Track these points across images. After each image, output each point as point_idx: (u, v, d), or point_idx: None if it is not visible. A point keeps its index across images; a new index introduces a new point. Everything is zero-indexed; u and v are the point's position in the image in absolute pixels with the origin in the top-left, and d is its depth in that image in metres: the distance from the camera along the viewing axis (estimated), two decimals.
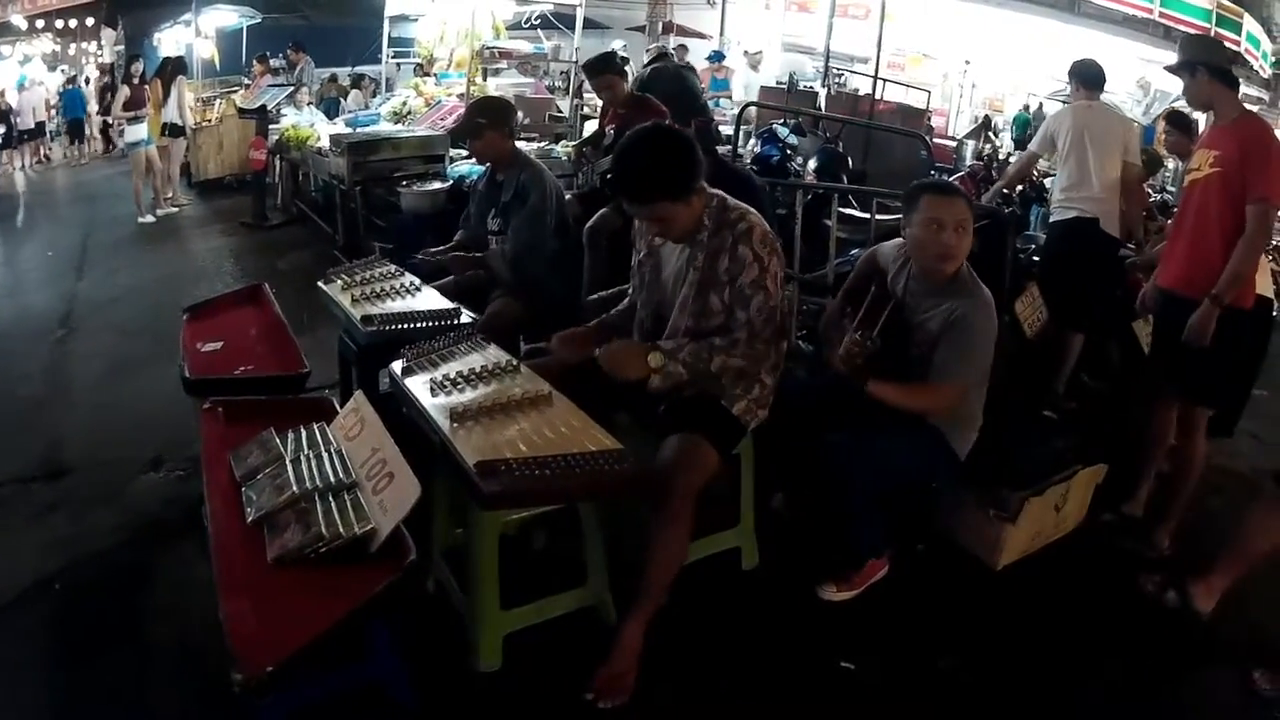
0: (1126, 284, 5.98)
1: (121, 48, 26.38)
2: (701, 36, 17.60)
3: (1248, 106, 4.57)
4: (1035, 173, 8.18)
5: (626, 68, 7.44)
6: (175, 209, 13.79)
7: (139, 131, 13.14)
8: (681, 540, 3.48)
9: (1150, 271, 5.04)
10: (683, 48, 12.31)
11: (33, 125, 22.68)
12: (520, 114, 11.00)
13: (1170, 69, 4.61)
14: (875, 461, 3.80)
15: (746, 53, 15.49)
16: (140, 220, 13.03)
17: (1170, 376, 4.59)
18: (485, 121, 5.28)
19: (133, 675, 3.64)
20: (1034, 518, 4.39)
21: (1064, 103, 7.31)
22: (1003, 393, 4.22)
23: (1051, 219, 6.29)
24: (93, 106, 24.99)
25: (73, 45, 33.52)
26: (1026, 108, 17.49)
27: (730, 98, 13.69)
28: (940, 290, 3.88)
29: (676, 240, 3.75)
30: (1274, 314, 4.49)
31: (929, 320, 3.87)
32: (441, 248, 5.58)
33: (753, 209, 3.69)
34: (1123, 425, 5.07)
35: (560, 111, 12.27)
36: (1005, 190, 7.57)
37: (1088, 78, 6.43)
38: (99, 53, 31.55)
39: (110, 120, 23.19)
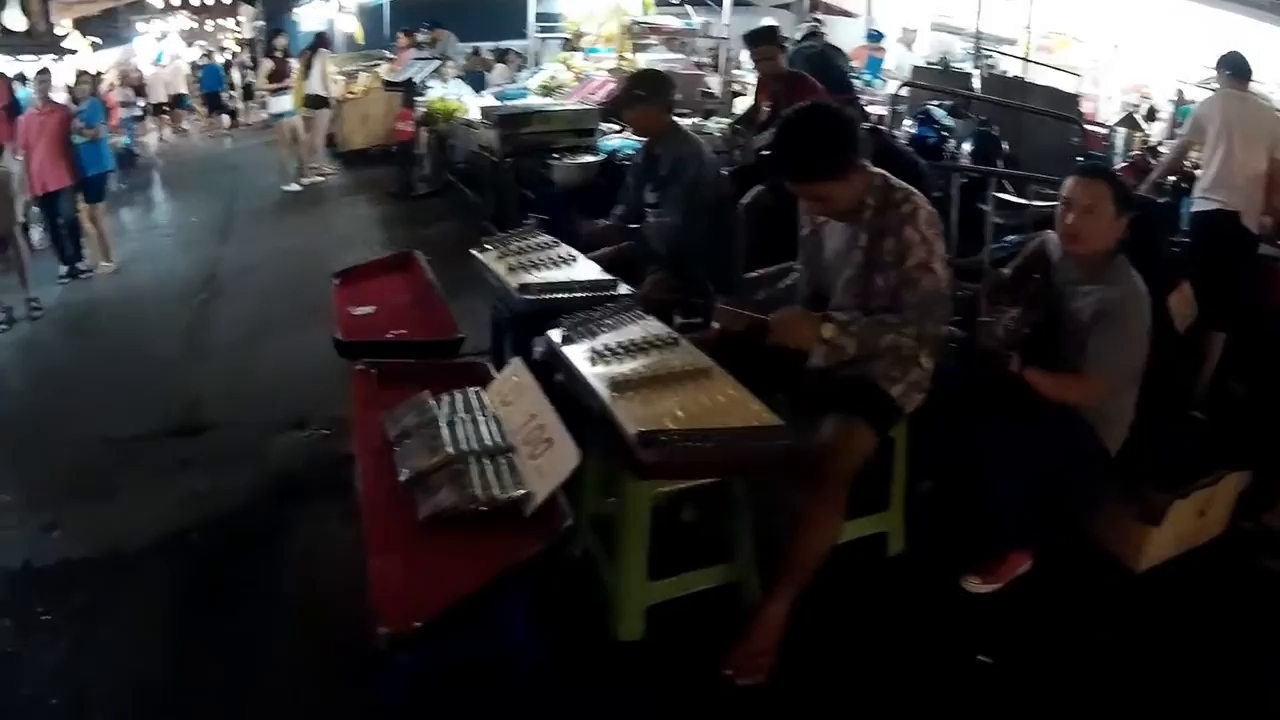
0: (1273, 283, 5.76)
1: (262, 23, 27.05)
2: (848, 15, 17.38)
3: None
4: (1187, 163, 7.97)
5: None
6: (320, 178, 14.09)
7: (284, 103, 13.47)
8: (833, 523, 3.44)
9: None
10: (818, 22, 12.09)
11: (166, 99, 23.27)
12: None
13: None
14: (1025, 451, 3.71)
15: (904, 29, 15.27)
16: (284, 188, 13.32)
17: None
18: (644, 94, 5.30)
19: (261, 632, 3.72)
20: (1178, 521, 4.22)
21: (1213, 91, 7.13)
22: (1152, 391, 4.09)
23: (1193, 209, 6.16)
24: (235, 77, 25.73)
25: (209, 22, 34.47)
26: (1181, 95, 16.98)
27: (884, 78, 13.49)
28: (1093, 277, 3.79)
29: (837, 218, 3.70)
30: None
31: (1081, 310, 3.77)
32: (601, 220, 5.59)
33: (916, 190, 3.61)
34: (1270, 432, 4.86)
35: (710, 88, 12.15)
36: (1159, 181, 7.40)
37: (1237, 69, 6.44)
38: (238, 28, 32.42)
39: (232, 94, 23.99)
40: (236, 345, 7.26)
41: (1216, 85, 6.66)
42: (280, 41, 14.41)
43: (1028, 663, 3.59)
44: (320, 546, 4.19)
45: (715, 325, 3.84)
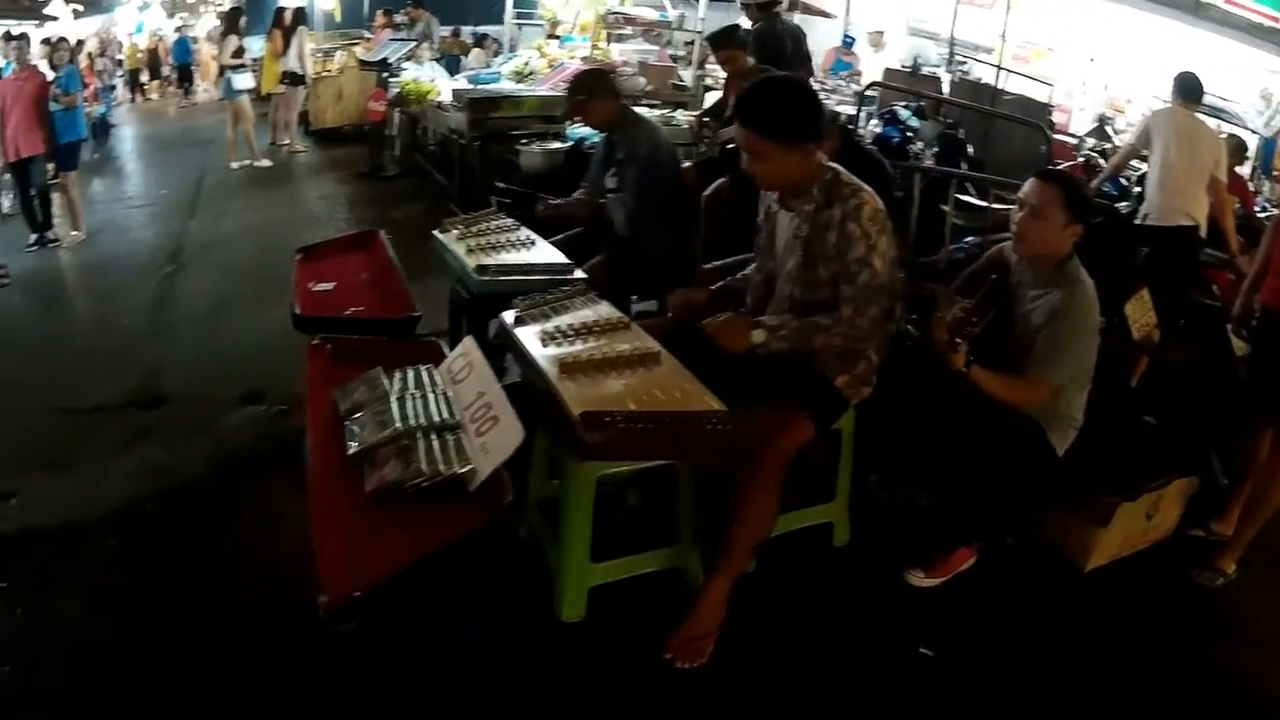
0: (1220, 288, 5.85)
1: None
2: (827, 15, 17.38)
3: None
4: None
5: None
6: (291, 155, 14.05)
7: (245, 80, 13.35)
8: (768, 506, 3.46)
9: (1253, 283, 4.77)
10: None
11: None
12: (643, 80, 10.96)
13: None
14: (973, 450, 3.74)
15: (869, 32, 15.27)
16: (233, 165, 13.24)
17: (1270, 399, 4.41)
18: (584, 96, 5.46)
19: (210, 603, 3.74)
20: (1125, 523, 4.28)
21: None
22: (1104, 395, 4.13)
23: (1153, 222, 6.29)
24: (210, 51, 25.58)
25: None
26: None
27: (849, 80, 13.51)
28: (1045, 280, 3.81)
29: (768, 188, 3.76)
30: None
31: (1033, 312, 3.80)
32: (563, 199, 5.65)
33: (866, 186, 3.61)
34: (1222, 439, 4.91)
35: (682, 80, 12.16)
36: (1123, 181, 7.59)
37: (1187, 90, 6.69)
38: (220, 1, 32.15)
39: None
40: (200, 319, 7.24)
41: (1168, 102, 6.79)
42: (244, 21, 14.36)
43: (969, 656, 3.64)
44: (270, 521, 4.19)
45: (669, 313, 3.89)
